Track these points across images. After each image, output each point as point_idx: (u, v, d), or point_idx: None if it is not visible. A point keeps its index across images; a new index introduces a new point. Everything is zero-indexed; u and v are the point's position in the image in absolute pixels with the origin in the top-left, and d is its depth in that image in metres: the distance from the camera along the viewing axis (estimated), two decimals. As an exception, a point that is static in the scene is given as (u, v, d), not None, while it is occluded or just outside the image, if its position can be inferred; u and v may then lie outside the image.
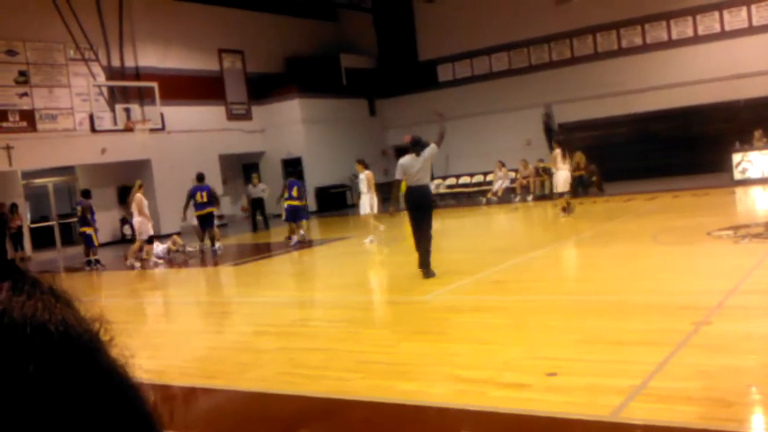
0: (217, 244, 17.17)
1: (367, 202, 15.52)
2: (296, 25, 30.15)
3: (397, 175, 10.54)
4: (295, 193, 16.91)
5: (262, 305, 10.29)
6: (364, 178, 15.64)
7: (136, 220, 16.01)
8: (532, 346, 6.00)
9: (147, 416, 0.57)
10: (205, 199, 17.11)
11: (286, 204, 16.84)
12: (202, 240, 17.63)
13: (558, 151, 16.69)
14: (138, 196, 15.99)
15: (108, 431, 0.52)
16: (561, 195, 16.77)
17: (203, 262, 16.19)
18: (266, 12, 28.71)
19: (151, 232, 16.26)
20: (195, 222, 17.63)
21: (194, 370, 6.74)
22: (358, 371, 5.83)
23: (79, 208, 17.08)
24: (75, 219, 19.56)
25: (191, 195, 17.24)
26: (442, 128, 10.95)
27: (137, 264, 15.97)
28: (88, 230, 16.60)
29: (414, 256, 10.43)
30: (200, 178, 17.71)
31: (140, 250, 16.27)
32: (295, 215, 16.85)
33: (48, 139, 21.57)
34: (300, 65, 29.65)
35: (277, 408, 5.33)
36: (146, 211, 16.06)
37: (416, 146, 10.45)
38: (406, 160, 10.38)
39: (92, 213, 16.68)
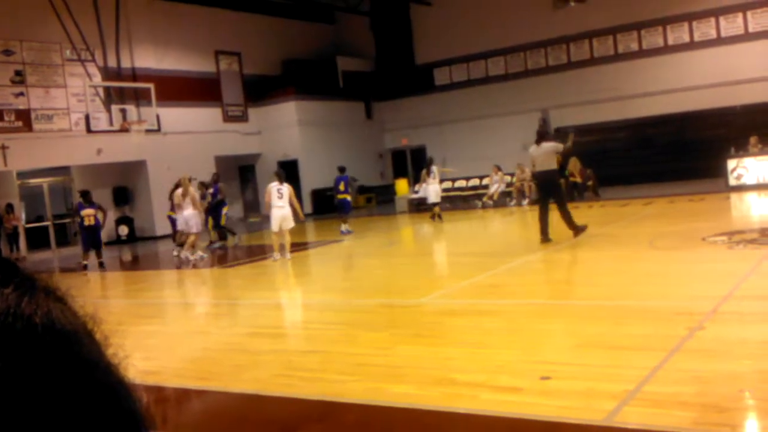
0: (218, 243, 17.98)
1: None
2: (293, 27, 30.17)
3: (530, 162, 13.46)
4: (341, 187, 18.37)
5: (258, 307, 10.28)
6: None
7: (188, 213, 16.03)
8: (526, 350, 6.00)
9: (134, 413, 0.56)
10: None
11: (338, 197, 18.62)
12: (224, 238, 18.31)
13: (424, 171, 19.59)
14: (191, 190, 16.39)
15: (89, 425, 0.52)
16: (434, 205, 19.15)
17: (209, 262, 16.17)
18: (263, 14, 28.73)
19: (200, 228, 16.37)
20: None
21: (188, 371, 6.73)
22: (353, 374, 5.83)
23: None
24: (70, 220, 19.44)
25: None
26: (569, 144, 13.11)
27: (200, 254, 16.12)
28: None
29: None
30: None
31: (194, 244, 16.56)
32: (342, 208, 18.59)
33: (44, 140, 21.55)
34: (297, 67, 29.65)
35: (272, 410, 5.32)
36: (199, 205, 16.46)
37: (540, 138, 12.83)
38: (531, 149, 12.94)
39: (79, 215, 16.18)
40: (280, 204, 14.33)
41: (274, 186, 14.41)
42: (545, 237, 12.57)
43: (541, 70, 27.71)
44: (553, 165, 12.62)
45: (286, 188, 14.50)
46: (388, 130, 31.51)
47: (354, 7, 29.62)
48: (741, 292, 7.35)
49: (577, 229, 12.61)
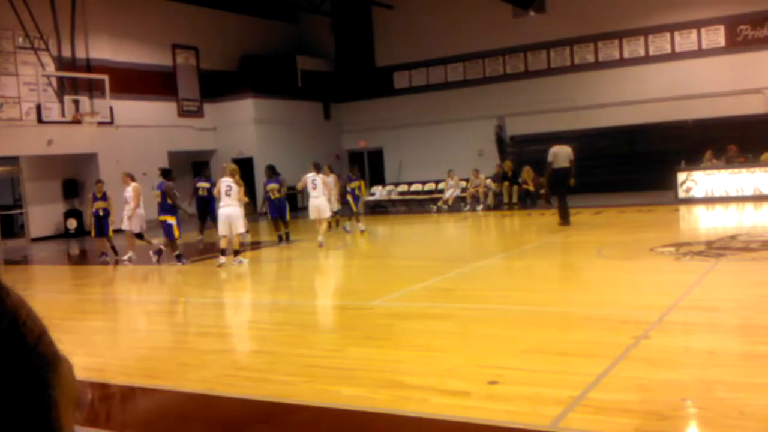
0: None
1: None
2: (253, 24, 29.94)
3: (549, 158, 15.35)
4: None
5: (207, 306, 10.17)
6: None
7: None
8: (476, 355, 6.04)
9: (33, 353, 0.62)
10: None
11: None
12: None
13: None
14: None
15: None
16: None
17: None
18: (223, 9, 28.46)
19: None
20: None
21: (134, 369, 6.63)
22: (302, 375, 5.80)
23: (157, 191, 14.21)
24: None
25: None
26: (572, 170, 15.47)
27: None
28: (170, 219, 13.75)
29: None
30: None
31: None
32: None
33: (-8, 128, 21.03)
34: (255, 65, 29.42)
35: (219, 410, 5.27)
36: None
37: (562, 141, 15.75)
38: (555, 148, 15.47)
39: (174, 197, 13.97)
40: (314, 194, 14.91)
41: (309, 176, 14.91)
42: (565, 221, 15.41)
43: (499, 77, 27.97)
44: (567, 164, 15.25)
45: (320, 179, 14.98)
46: (346, 131, 31.47)
47: (316, 7, 29.52)
48: (686, 302, 7.51)
49: (566, 221, 15.40)
